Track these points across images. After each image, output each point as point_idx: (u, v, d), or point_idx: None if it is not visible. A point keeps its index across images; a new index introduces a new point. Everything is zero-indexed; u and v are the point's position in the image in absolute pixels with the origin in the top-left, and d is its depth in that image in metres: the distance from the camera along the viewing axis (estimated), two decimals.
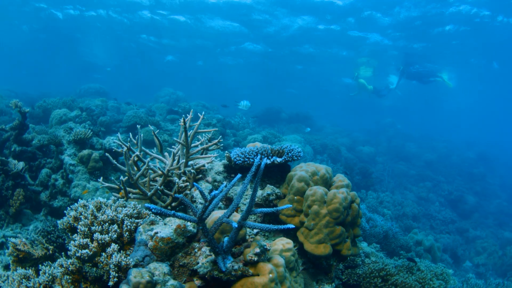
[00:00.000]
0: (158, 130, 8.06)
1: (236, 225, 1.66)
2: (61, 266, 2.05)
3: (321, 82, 25.26)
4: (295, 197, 2.70)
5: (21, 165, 3.64)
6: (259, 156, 1.81)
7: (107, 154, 2.88)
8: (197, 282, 2.01)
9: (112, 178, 4.44)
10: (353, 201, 2.79)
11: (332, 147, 12.54)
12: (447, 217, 9.53)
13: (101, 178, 2.95)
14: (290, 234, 2.74)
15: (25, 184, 3.73)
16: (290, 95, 32.88)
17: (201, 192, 1.55)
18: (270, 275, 1.86)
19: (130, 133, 3.14)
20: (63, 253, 2.91)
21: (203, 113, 3.22)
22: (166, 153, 3.10)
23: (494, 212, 11.10)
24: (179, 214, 1.58)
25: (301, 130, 15.23)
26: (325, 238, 2.53)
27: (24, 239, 2.58)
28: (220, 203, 2.69)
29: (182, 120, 2.67)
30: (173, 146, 3.31)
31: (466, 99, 27.37)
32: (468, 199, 10.79)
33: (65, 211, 2.51)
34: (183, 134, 2.79)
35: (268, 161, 2.80)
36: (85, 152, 4.08)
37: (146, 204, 1.50)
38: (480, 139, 22.34)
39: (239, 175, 1.81)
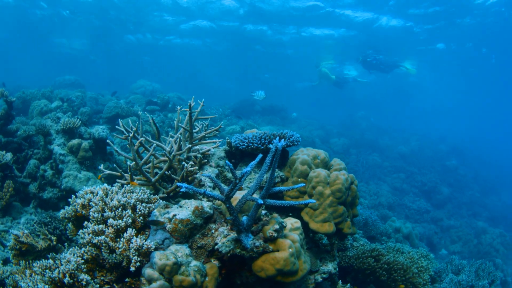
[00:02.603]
0: (155, 118, 7.93)
1: (262, 202, 1.73)
2: (74, 255, 2.01)
3: (294, 74, 25.67)
4: (299, 179, 2.81)
5: (9, 156, 3.46)
6: (277, 139, 1.89)
7: (108, 141, 2.83)
8: (215, 262, 2.06)
9: (102, 167, 4.33)
10: (352, 182, 2.94)
11: (307, 139, 12.84)
12: (421, 207, 10.00)
13: (102, 165, 2.90)
14: (289, 216, 2.84)
15: (13, 176, 3.56)
16: (264, 87, 33.11)
17: (232, 170, 1.60)
18: (290, 249, 1.95)
19: (129, 120, 3.09)
20: (66, 243, 2.84)
21: (203, 100, 3.23)
22: (171, 139, 3.08)
23: (467, 203, 11.61)
24: (209, 192, 1.63)
25: (274, 122, 15.44)
26: (329, 217, 2.67)
27: (26, 231, 2.49)
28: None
29: (189, 105, 2.68)
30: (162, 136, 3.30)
31: (437, 93, 28.79)
32: (441, 190, 11.20)
33: (69, 200, 2.44)
34: (188, 120, 2.80)
35: (271, 146, 2.88)
36: (75, 141, 3.94)
37: (179, 183, 1.53)
38: (452, 133, 23.38)
39: (260, 155, 1.87)
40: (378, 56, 14.50)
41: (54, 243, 2.56)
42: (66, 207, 2.51)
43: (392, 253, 3.96)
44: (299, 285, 2.58)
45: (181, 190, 1.60)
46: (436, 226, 9.28)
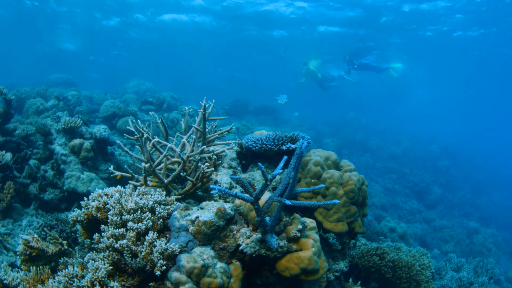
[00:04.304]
0: (152, 119, 7.84)
1: (290, 203, 1.73)
2: (93, 260, 1.95)
3: (286, 72, 25.70)
4: (312, 180, 2.83)
5: (8, 156, 3.34)
6: (301, 141, 1.90)
7: (118, 141, 2.78)
8: (237, 263, 2.05)
9: (103, 168, 4.26)
10: (363, 183, 2.98)
11: None
12: (413, 208, 10.14)
13: (112, 166, 2.83)
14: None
15: (13, 177, 3.44)
16: (256, 87, 33.09)
17: (263, 172, 1.60)
18: (313, 248, 1.97)
19: (139, 121, 3.04)
20: (76, 247, 2.77)
21: (213, 101, 3.22)
22: (184, 140, 3.06)
23: (459, 204, 11.78)
24: (240, 194, 1.62)
25: (267, 122, 15.50)
26: (342, 216, 2.70)
27: (36, 235, 2.41)
28: (239, 187, 2.74)
29: (203, 106, 2.66)
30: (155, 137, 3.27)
31: (428, 95, 29.22)
32: (433, 190, 11.34)
33: (81, 202, 2.37)
34: (201, 121, 2.78)
35: (284, 147, 2.89)
36: (77, 141, 3.85)
37: (212, 185, 1.52)
38: (443, 134, 23.64)
39: (285, 157, 1.87)
40: (365, 59, 14.58)
41: (66, 247, 2.49)
42: (78, 210, 2.44)
43: (395, 252, 4.03)
44: (313, 283, 2.60)
45: (212, 192, 1.59)
46: (429, 226, 9.42)
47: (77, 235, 2.70)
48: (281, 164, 1.77)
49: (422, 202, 10.86)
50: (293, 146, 2.95)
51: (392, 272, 3.63)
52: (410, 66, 19.18)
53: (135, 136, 2.80)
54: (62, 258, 2.47)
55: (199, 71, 30.80)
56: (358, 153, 15.22)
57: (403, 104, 36.26)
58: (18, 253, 2.37)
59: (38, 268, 2.32)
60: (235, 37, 19.45)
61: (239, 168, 2.98)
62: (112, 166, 2.88)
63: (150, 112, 2.94)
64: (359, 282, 3.04)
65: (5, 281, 2.25)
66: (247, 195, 1.70)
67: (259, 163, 1.57)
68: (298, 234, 1.97)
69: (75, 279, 1.57)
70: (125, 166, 4.94)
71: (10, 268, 2.54)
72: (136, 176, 2.81)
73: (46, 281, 2.29)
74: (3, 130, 3.75)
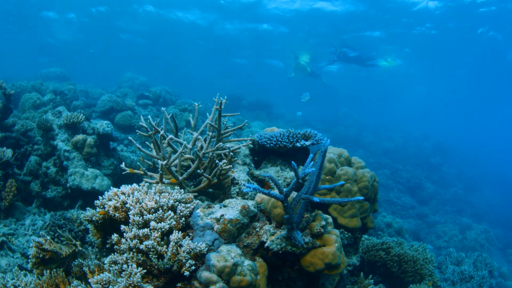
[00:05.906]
0: (149, 113, 7.74)
1: (318, 200, 1.73)
2: (115, 263, 1.89)
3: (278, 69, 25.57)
4: (326, 177, 2.84)
5: (9, 152, 3.22)
6: (325, 138, 1.89)
7: (130, 138, 2.72)
8: (260, 260, 2.05)
9: (105, 164, 4.17)
10: (374, 180, 3.02)
11: None
12: (407, 203, 10.31)
13: (123, 164, 2.78)
14: None
15: (13, 174, 3.33)
16: (250, 82, 32.84)
17: (295, 170, 1.59)
18: (336, 244, 1.98)
19: (149, 117, 2.98)
20: (89, 248, 2.71)
21: (225, 97, 3.18)
22: (199, 137, 3.01)
23: (452, 200, 11.96)
24: (272, 192, 1.61)
25: (261, 117, 15.49)
26: (356, 212, 2.73)
27: (48, 237, 2.34)
28: (255, 183, 2.72)
29: (219, 104, 2.63)
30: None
31: (421, 91, 29.50)
32: (426, 186, 11.49)
33: (96, 202, 2.31)
34: (216, 117, 2.74)
35: (298, 144, 2.89)
36: (80, 137, 3.75)
37: (247, 184, 1.50)
38: (436, 131, 23.78)
39: (311, 155, 1.87)
40: (355, 52, 14.61)
41: (80, 248, 2.43)
42: (91, 210, 2.37)
43: (399, 246, 4.11)
44: (328, 277, 2.63)
45: (244, 190, 1.57)
46: (422, 221, 9.58)
47: (89, 235, 2.64)
48: (310, 162, 1.77)
49: (415, 198, 11.03)
50: (306, 143, 2.95)
51: (397, 266, 3.70)
52: (405, 62, 19.26)
53: (149, 133, 2.75)
54: (76, 260, 2.41)
55: (191, 64, 30.31)
56: (351, 148, 15.34)
57: (396, 101, 36.63)
58: (30, 256, 2.30)
59: (51, 272, 2.25)
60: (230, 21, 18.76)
61: (252, 165, 2.96)
62: (123, 163, 2.82)
63: (162, 108, 2.89)
64: (370, 276, 3.08)
65: (19, 287, 2.18)
66: (277, 192, 1.69)
67: (292, 162, 1.56)
68: (322, 230, 1.98)
69: (110, 286, 1.52)
70: (137, 163, 4.84)
71: (22, 272, 2.47)
72: (149, 173, 2.76)
73: (61, 284, 2.23)
74: (2, 126, 3.61)
